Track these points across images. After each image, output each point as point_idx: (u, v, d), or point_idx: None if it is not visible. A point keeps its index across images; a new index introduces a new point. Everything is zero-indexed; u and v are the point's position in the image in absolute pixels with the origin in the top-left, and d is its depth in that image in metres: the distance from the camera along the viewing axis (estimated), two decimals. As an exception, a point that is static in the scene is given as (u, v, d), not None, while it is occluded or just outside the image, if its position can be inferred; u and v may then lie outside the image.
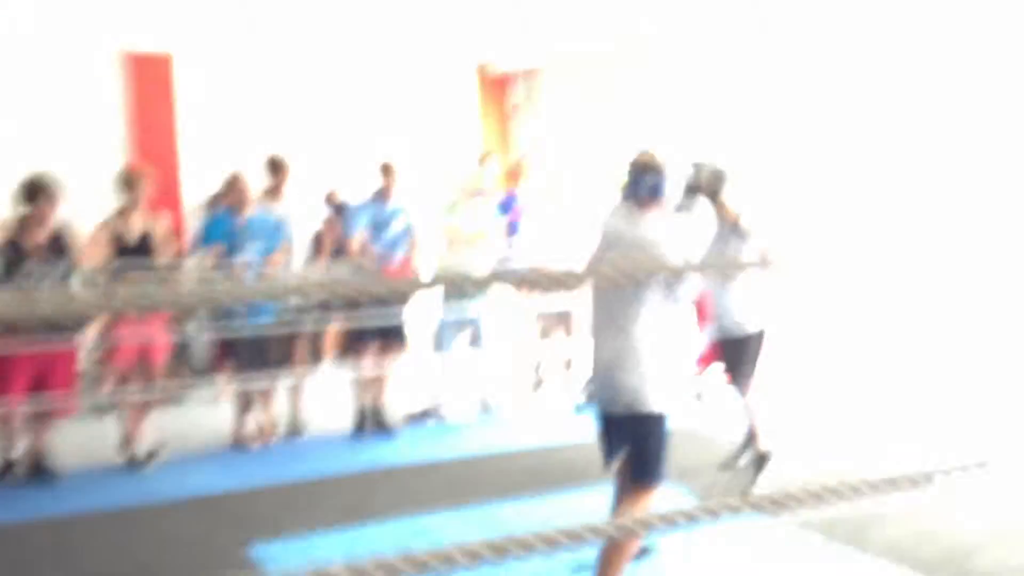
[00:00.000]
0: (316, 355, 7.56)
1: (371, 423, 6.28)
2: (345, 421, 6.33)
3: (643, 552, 4.11)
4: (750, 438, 5.11)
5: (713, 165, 4.93)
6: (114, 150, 8.47)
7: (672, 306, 3.62)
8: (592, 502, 4.64)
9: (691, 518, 1.90)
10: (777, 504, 1.99)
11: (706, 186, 4.82)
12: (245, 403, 6.05)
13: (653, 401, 3.53)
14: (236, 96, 8.99)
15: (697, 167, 4.83)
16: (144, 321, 5.61)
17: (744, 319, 5.05)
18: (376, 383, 6.40)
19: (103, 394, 6.49)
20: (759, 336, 5.11)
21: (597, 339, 3.69)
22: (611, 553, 3.52)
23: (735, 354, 5.09)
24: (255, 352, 5.91)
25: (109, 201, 7.70)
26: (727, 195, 4.92)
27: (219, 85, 8.95)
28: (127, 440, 5.62)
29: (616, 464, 3.72)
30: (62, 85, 8.30)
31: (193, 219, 8.26)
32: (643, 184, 3.71)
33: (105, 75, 8.46)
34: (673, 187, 3.79)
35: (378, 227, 6.22)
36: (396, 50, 9.42)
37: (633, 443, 3.61)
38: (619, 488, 3.82)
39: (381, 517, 4.63)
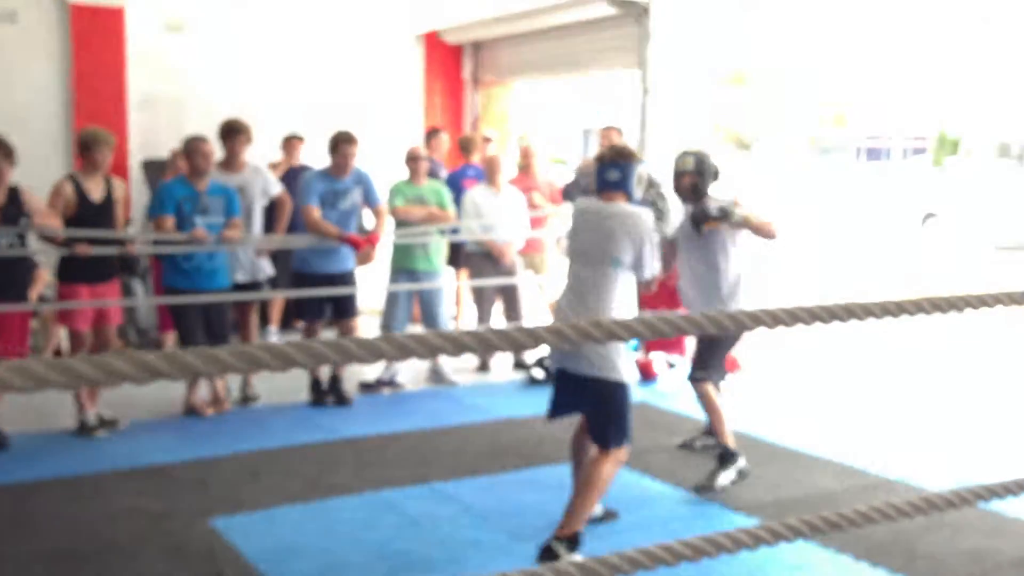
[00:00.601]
0: (264, 323, 7.57)
1: (329, 393, 6.29)
2: (298, 391, 6.33)
3: (606, 516, 4.25)
4: (710, 428, 5.03)
5: (701, 154, 4.95)
6: (58, 109, 8.31)
7: (641, 281, 4.06)
8: (550, 476, 4.78)
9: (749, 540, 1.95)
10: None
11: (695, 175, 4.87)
12: (196, 370, 5.98)
13: (621, 368, 3.91)
14: (190, 55, 8.84)
15: (693, 157, 4.91)
16: (99, 285, 5.55)
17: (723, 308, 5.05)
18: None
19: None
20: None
21: (571, 310, 3.98)
22: (589, 482, 3.85)
23: (709, 343, 4.93)
24: (204, 319, 5.87)
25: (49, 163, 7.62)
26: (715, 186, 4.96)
27: (173, 43, 8.77)
28: (79, 407, 5.54)
29: (558, 420, 4.15)
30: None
31: (141, 185, 8.16)
32: (606, 175, 4.08)
33: (49, 25, 8.23)
34: (638, 180, 4.04)
35: (329, 202, 6.16)
36: (347, 19, 9.35)
37: (600, 408, 3.95)
38: (576, 458, 4.14)
39: (343, 490, 4.68)
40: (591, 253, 3.98)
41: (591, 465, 3.91)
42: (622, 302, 3.97)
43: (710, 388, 4.83)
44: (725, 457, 4.73)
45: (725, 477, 4.66)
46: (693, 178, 4.85)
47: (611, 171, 4.07)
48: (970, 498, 2.19)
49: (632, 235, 3.95)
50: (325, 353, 1.41)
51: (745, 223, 4.72)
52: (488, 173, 7.25)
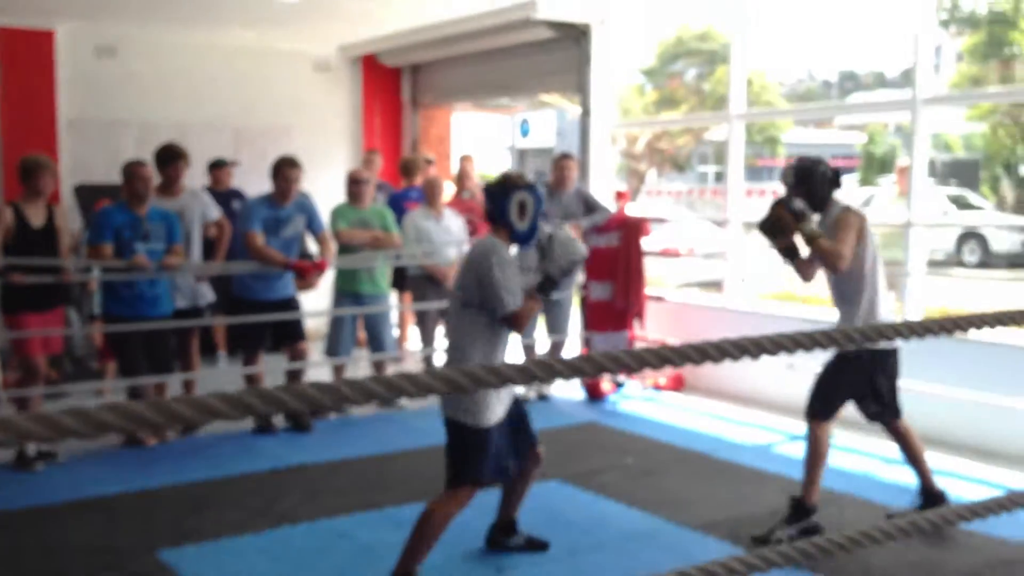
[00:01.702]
0: (209, 350, 7.44)
1: (285, 419, 6.19)
2: (241, 420, 6.20)
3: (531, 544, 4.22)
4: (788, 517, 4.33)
5: (805, 163, 4.36)
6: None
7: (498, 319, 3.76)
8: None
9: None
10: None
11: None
12: (137, 397, 5.85)
13: (471, 410, 3.72)
14: (121, 79, 8.69)
15: (794, 170, 4.35)
16: (46, 313, 5.46)
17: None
18: (292, 377, 6.36)
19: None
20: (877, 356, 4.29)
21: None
22: (421, 521, 3.72)
23: (830, 376, 4.34)
24: (147, 347, 5.74)
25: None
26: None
27: (104, 67, 8.62)
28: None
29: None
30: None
31: (73, 210, 7.96)
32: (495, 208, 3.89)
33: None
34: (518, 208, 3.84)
35: (272, 229, 6.07)
36: (279, 41, 9.30)
37: (447, 444, 3.81)
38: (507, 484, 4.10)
39: (293, 518, 4.59)
40: (455, 291, 3.88)
41: (428, 503, 3.77)
42: (474, 343, 3.75)
43: (822, 429, 4.29)
44: (799, 510, 4.29)
45: (786, 533, 4.21)
46: (798, 191, 4.26)
47: (487, 202, 3.93)
48: (962, 516, 2.23)
49: (474, 268, 3.74)
50: (317, 397, 1.37)
51: (812, 239, 4.15)
52: (428, 196, 7.23)
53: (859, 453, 5.60)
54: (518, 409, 3.98)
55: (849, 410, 4.43)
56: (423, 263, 7.05)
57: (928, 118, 6.33)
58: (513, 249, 3.91)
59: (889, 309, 4.42)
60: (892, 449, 4.69)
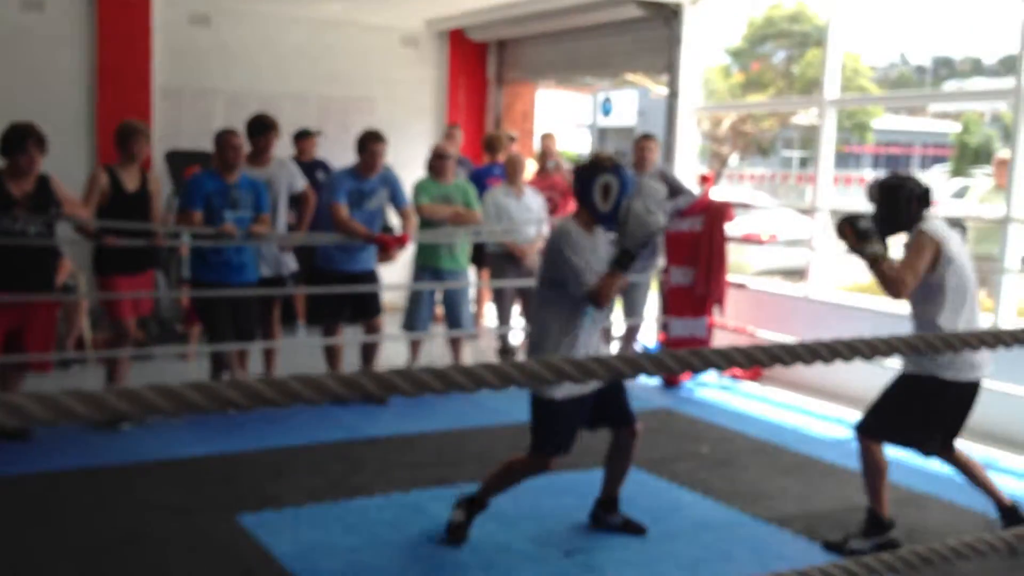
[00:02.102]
0: (290, 320, 7.56)
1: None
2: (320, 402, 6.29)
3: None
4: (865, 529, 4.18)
5: (891, 181, 4.16)
6: (82, 99, 8.30)
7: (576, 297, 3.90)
8: (573, 481, 4.73)
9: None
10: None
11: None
12: (219, 362, 5.98)
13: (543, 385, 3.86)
14: (214, 47, 8.83)
15: (878, 187, 4.16)
16: (136, 276, 5.62)
17: (968, 361, 3.99)
18: (366, 351, 6.44)
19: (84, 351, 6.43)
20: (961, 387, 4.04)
21: None
22: (500, 467, 4.08)
23: (898, 397, 4.12)
24: (232, 313, 5.85)
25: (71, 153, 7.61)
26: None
27: (198, 35, 8.77)
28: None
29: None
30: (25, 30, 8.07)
31: (164, 176, 8.14)
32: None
33: (75, 15, 8.22)
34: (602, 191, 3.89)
35: (356, 202, 6.12)
36: (365, 15, 9.34)
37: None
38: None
39: (368, 490, 4.65)
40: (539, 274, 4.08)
41: (512, 455, 4.09)
42: (553, 323, 3.91)
43: (874, 446, 4.10)
44: (874, 524, 4.14)
45: (860, 544, 4.04)
46: (882, 210, 4.09)
47: (574, 182, 4.04)
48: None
49: (551, 251, 3.93)
50: (398, 383, 1.37)
51: (873, 260, 3.96)
52: (509, 173, 7.22)
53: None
54: (612, 387, 4.05)
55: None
56: (502, 240, 7.05)
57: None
58: (599, 230, 4.00)
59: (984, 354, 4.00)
60: (977, 452, 4.55)
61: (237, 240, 5.70)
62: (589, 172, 3.93)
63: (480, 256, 7.51)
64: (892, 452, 4.18)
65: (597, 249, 3.96)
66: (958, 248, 4.07)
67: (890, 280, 3.94)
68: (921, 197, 4.07)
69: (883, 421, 4.11)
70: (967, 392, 4.05)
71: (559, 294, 3.89)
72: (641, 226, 3.82)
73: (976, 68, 33.53)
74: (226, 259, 5.76)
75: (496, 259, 7.27)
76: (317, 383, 1.32)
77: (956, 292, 4.01)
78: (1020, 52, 6.03)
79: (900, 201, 4.06)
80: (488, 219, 6.96)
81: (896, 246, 4.11)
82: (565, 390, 3.86)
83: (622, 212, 3.87)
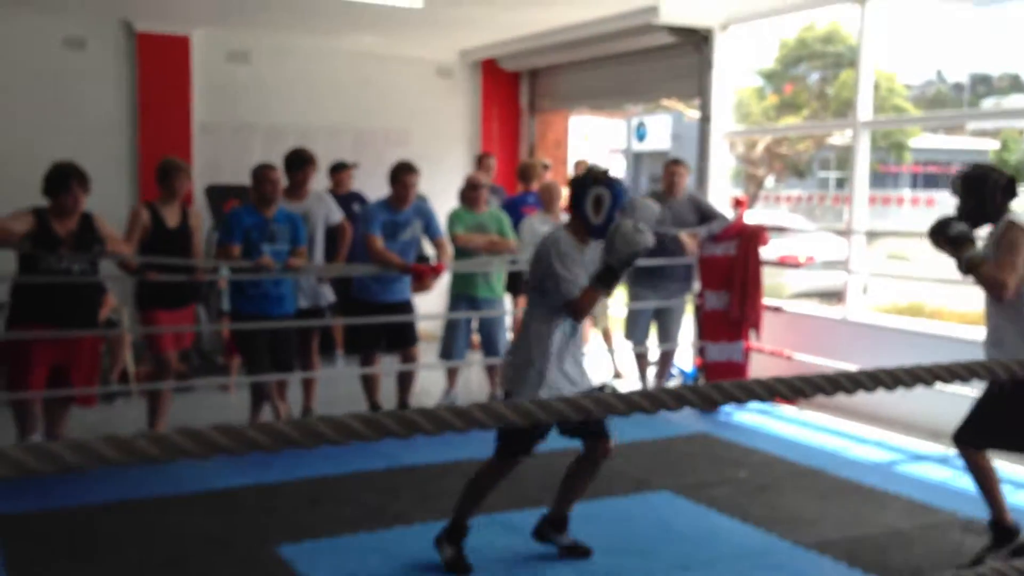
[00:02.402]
0: (329, 350, 7.64)
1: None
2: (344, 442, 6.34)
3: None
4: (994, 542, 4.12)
5: (973, 172, 4.10)
6: (123, 135, 8.49)
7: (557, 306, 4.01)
8: (606, 509, 4.72)
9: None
10: None
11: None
12: (260, 393, 6.04)
13: (514, 386, 4.07)
14: (252, 83, 9.00)
15: (961, 180, 4.08)
16: (177, 311, 5.73)
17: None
18: (403, 380, 6.49)
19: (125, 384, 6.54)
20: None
21: None
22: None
23: (991, 402, 4.07)
24: (270, 344, 5.92)
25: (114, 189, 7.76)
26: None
27: (236, 72, 8.95)
28: (153, 429, 5.61)
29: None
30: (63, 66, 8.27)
31: (204, 210, 8.29)
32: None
33: (116, 52, 8.42)
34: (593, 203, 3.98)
35: (390, 233, 6.19)
36: (400, 48, 9.46)
37: None
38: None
39: (406, 519, 4.68)
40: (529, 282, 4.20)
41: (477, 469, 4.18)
42: (536, 331, 3.98)
43: (978, 455, 4.06)
44: (1001, 534, 4.08)
45: (998, 556, 3.97)
46: (967, 203, 4.04)
47: (569, 193, 4.16)
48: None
49: (539, 258, 4.00)
50: (422, 423, 1.40)
51: (971, 265, 3.90)
52: (545, 201, 7.27)
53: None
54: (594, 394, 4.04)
55: None
56: None
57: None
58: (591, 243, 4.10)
59: None
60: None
61: (275, 273, 5.78)
62: (582, 184, 4.02)
63: (516, 284, 7.54)
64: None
65: (586, 262, 4.03)
66: None
67: (991, 282, 3.87)
68: (1007, 187, 4.02)
69: (979, 428, 4.05)
70: None
71: (542, 301, 3.99)
72: (627, 244, 3.86)
73: (1015, 85, 33.15)
74: (264, 291, 5.85)
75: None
76: (341, 424, 1.36)
77: None
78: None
79: (986, 192, 4.00)
80: (525, 246, 7.00)
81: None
82: (548, 392, 3.92)
83: (610, 229, 3.93)
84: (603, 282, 3.94)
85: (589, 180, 4.02)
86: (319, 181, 7.65)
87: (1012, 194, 4.03)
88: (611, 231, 3.91)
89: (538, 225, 7.12)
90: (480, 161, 8.55)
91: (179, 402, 6.28)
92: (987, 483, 4.06)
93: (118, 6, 8.05)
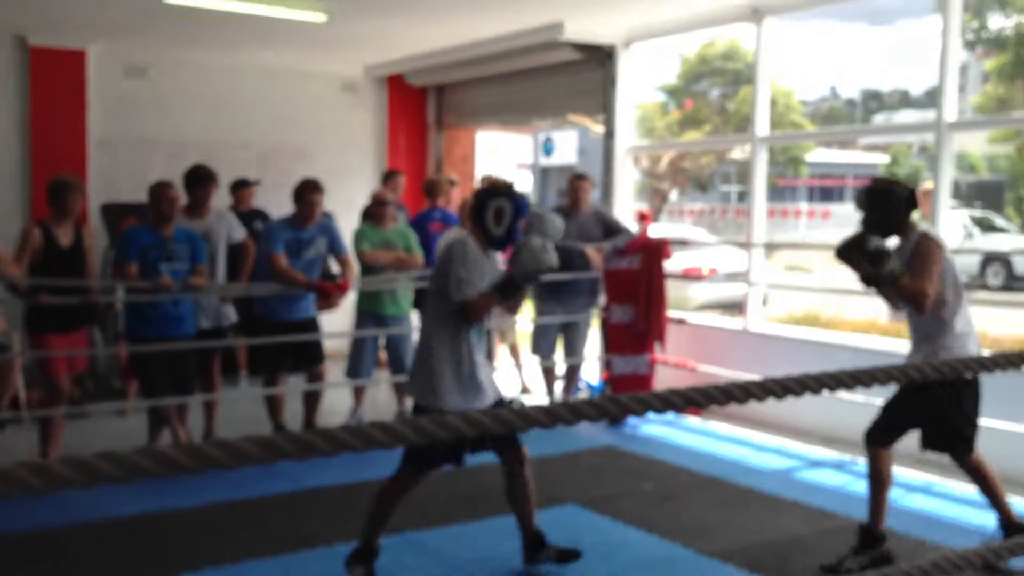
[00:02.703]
0: (232, 371, 7.49)
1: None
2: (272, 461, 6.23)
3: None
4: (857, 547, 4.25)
5: (876, 186, 4.20)
6: (15, 151, 8.21)
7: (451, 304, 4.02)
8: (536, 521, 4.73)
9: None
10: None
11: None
12: (158, 418, 5.89)
13: (416, 392, 4.10)
14: (150, 99, 8.80)
15: (865, 193, 4.20)
16: (70, 334, 5.54)
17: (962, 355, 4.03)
18: (309, 400, 6.40)
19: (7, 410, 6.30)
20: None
21: None
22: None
23: (897, 404, 4.22)
24: (169, 367, 5.78)
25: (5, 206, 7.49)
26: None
27: (134, 87, 8.74)
28: (45, 457, 5.41)
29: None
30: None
31: (100, 229, 8.06)
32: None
33: (8, 66, 8.15)
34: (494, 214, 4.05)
35: (294, 251, 6.12)
36: (303, 63, 9.38)
37: None
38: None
39: (313, 542, 4.61)
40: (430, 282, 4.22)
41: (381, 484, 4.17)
42: (439, 333, 4.00)
43: (882, 455, 4.18)
44: (867, 539, 4.20)
45: (854, 562, 4.12)
46: (871, 216, 4.14)
47: (472, 204, 4.21)
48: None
49: (442, 260, 4.06)
50: (349, 441, 1.39)
51: (894, 281, 3.99)
52: (463, 216, 7.26)
53: (928, 493, 5.44)
54: (501, 404, 4.17)
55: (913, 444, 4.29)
56: None
57: (954, 142, 6.31)
58: (499, 255, 4.19)
59: (977, 342, 4.17)
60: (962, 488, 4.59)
61: (174, 292, 5.65)
62: (484, 196, 4.10)
63: (423, 300, 7.50)
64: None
65: (488, 271, 4.08)
66: (949, 255, 4.18)
67: (912, 294, 3.97)
68: (909, 200, 4.14)
69: (886, 427, 4.17)
70: (972, 388, 4.08)
71: (445, 307, 3.99)
72: (533, 260, 3.93)
73: (904, 100, 34.50)
74: (163, 312, 5.71)
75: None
76: (234, 447, 1.35)
77: (956, 293, 4.11)
78: (940, 87, 6.24)
79: (890, 205, 4.10)
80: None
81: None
82: (455, 402, 3.93)
83: (518, 244, 3.98)
84: (501, 291, 3.99)
85: (491, 192, 4.09)
86: (221, 198, 7.52)
87: (913, 206, 4.17)
88: (519, 245, 3.96)
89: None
90: (387, 178, 8.52)
91: (74, 428, 6.08)
92: (878, 488, 4.19)
93: (10, 20, 7.79)
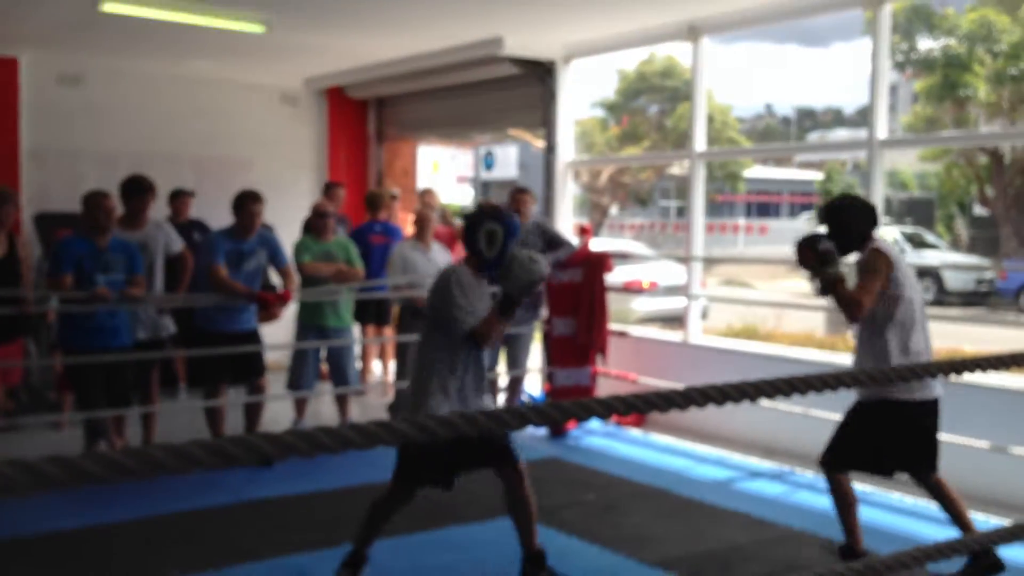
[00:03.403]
0: (171, 383, 7.37)
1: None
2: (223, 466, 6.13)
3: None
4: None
5: (835, 202, 4.27)
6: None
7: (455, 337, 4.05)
8: (462, 536, 4.73)
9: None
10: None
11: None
12: (94, 430, 5.77)
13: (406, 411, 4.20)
14: (84, 108, 8.64)
15: (824, 210, 4.26)
16: (5, 344, 5.40)
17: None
18: (250, 412, 6.33)
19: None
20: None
21: None
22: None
23: (851, 426, 4.21)
24: (105, 379, 5.67)
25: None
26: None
27: (67, 95, 8.57)
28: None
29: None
30: None
31: (33, 239, 7.89)
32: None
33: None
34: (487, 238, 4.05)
35: (234, 263, 6.06)
36: (242, 74, 9.30)
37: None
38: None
39: (252, 555, 4.55)
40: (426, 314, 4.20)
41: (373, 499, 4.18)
42: (437, 364, 4.00)
43: (840, 478, 4.18)
44: (845, 554, 4.20)
45: None
46: (831, 231, 4.18)
47: (463, 230, 4.19)
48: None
49: (438, 290, 4.02)
50: (295, 444, 1.38)
51: (832, 284, 4.05)
52: (418, 229, 7.23)
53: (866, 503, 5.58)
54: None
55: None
56: (411, 295, 6.99)
57: (885, 159, 6.47)
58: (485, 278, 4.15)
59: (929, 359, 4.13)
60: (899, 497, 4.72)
61: (111, 303, 5.55)
62: (475, 220, 4.09)
63: (364, 313, 7.48)
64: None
65: (483, 295, 4.10)
66: (907, 268, 4.18)
67: (847, 301, 4.00)
68: (868, 216, 4.18)
69: (844, 451, 4.16)
70: (924, 410, 4.07)
71: (444, 335, 3.99)
72: (526, 273, 3.96)
73: (837, 118, 35.29)
74: (99, 324, 5.60)
75: (403, 313, 7.26)
76: (181, 452, 1.33)
77: (907, 317, 4.08)
78: (871, 106, 6.40)
79: (849, 221, 4.14)
80: (395, 273, 6.98)
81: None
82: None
83: (506, 259, 4.01)
84: (503, 309, 4.01)
85: (481, 216, 4.09)
86: (158, 209, 7.42)
87: (873, 223, 4.21)
88: (508, 260, 4.00)
89: (408, 251, 7.09)
90: (328, 190, 8.48)
91: (6, 441, 5.93)
92: (845, 508, 4.19)
93: (-62, 25, 7.61)
